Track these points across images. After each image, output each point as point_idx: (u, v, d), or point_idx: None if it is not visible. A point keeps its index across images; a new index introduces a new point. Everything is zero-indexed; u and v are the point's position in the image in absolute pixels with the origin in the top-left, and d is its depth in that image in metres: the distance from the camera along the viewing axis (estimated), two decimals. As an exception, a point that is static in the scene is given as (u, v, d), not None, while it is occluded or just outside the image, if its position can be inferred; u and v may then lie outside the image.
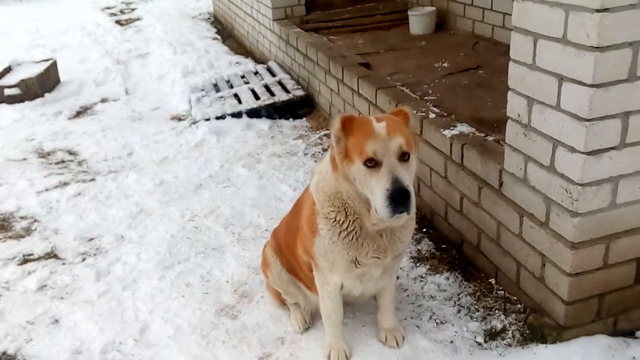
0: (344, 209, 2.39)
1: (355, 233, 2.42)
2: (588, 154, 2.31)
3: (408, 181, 2.19)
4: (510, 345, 2.77)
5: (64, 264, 3.84)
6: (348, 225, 2.41)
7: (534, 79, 2.51)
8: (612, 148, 2.34)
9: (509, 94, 2.71)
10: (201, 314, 3.20)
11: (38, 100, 7.25)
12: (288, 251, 2.82)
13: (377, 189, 2.16)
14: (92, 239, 4.10)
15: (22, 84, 7.23)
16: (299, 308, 3.02)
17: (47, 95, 7.41)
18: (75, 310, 3.35)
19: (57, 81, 7.91)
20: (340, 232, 2.42)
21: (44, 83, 7.49)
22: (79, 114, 6.93)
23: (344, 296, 2.74)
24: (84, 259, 3.86)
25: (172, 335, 3.06)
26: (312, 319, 3.02)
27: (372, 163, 2.18)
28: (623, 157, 2.37)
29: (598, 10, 2.09)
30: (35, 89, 7.31)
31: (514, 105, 2.69)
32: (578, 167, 2.35)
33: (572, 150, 2.36)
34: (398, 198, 2.13)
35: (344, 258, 2.46)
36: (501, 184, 2.92)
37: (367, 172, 2.19)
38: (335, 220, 2.41)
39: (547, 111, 2.47)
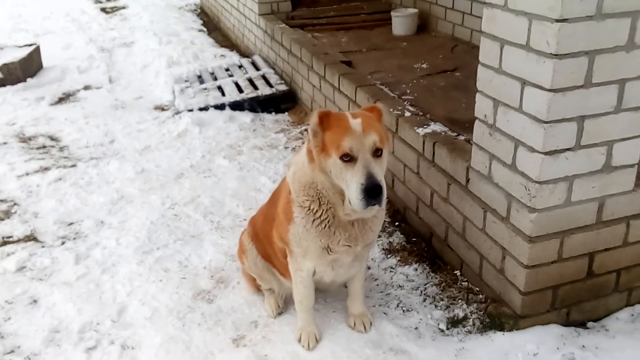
0: (318, 199, 2.53)
1: (328, 222, 2.56)
2: (546, 153, 2.48)
3: (380, 176, 2.34)
4: (470, 332, 2.94)
5: (43, 246, 3.92)
6: (322, 214, 2.54)
7: (500, 82, 2.67)
8: (568, 149, 2.50)
9: (477, 95, 2.87)
10: (178, 298, 3.32)
11: (20, 85, 7.25)
12: (264, 239, 2.95)
13: (352, 183, 2.31)
14: (72, 224, 4.19)
15: (4, 68, 7.23)
16: (273, 294, 3.15)
17: (29, 80, 7.41)
18: (54, 292, 3.44)
19: (39, 66, 7.92)
20: (314, 220, 2.56)
21: (27, 68, 7.50)
22: (61, 100, 6.95)
23: (316, 282, 2.88)
24: (63, 243, 3.95)
25: (149, 316, 3.17)
26: (285, 305, 3.16)
27: (348, 158, 2.32)
28: (578, 158, 2.54)
29: (557, 20, 2.25)
30: (18, 74, 7.32)
31: (482, 107, 2.85)
32: (536, 166, 2.51)
33: (532, 150, 2.53)
34: (371, 192, 2.28)
35: (317, 245, 2.60)
36: (468, 180, 3.08)
37: (343, 166, 2.33)
38: (309, 209, 2.55)
39: (510, 113, 2.63)
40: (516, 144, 2.63)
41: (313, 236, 2.58)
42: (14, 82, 7.28)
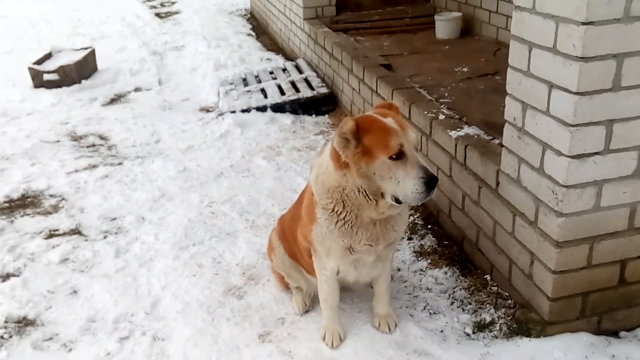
0: (342, 201, 2.56)
1: (351, 222, 2.59)
2: (572, 157, 2.44)
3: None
4: (496, 337, 2.90)
5: (86, 240, 4.10)
6: (346, 215, 2.58)
7: (528, 85, 2.64)
8: (596, 153, 2.45)
9: (507, 98, 2.85)
10: (209, 293, 3.41)
11: (75, 87, 7.59)
12: (291, 237, 3.01)
13: (408, 179, 2.34)
14: (114, 219, 4.36)
15: (60, 70, 7.58)
16: (301, 292, 3.21)
17: (84, 81, 7.74)
18: (93, 283, 3.60)
19: (94, 69, 8.26)
20: (337, 221, 2.59)
21: (82, 70, 7.83)
22: (112, 101, 7.24)
23: (340, 281, 2.92)
24: (105, 237, 4.12)
25: (181, 310, 3.27)
26: (312, 303, 3.20)
27: (396, 156, 2.35)
28: (607, 163, 2.48)
29: (583, 23, 2.21)
30: (73, 76, 7.65)
31: (511, 110, 2.83)
32: (563, 170, 2.47)
33: (559, 153, 2.49)
34: (431, 183, 2.35)
35: (339, 245, 2.64)
36: (498, 184, 3.05)
37: (393, 164, 2.36)
38: (333, 211, 2.58)
39: (538, 116, 2.60)
40: (544, 147, 2.59)
41: (335, 236, 2.62)
42: (69, 84, 7.62)
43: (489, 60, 5.52)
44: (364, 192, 2.48)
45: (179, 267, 3.68)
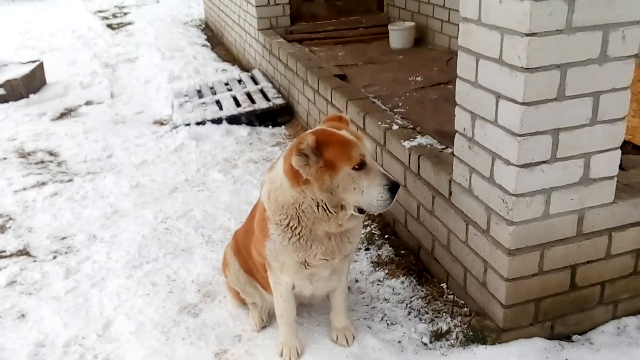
0: (297, 217, 2.52)
1: (305, 237, 2.56)
2: (521, 166, 2.47)
3: None
4: (453, 345, 2.92)
5: (35, 261, 3.96)
6: (301, 230, 2.55)
7: (477, 95, 2.67)
8: (543, 162, 2.50)
9: (456, 109, 2.88)
10: (164, 312, 3.33)
11: (22, 101, 7.35)
12: (246, 253, 2.96)
13: (372, 187, 2.37)
14: (64, 238, 4.22)
15: (7, 84, 7.35)
16: (257, 307, 3.16)
17: (32, 96, 7.52)
18: (42, 306, 3.46)
19: (43, 82, 8.04)
20: (291, 236, 2.56)
21: (30, 84, 7.61)
22: (62, 115, 7.04)
23: (296, 296, 2.88)
24: (54, 257, 3.98)
25: (134, 331, 3.18)
26: (269, 318, 3.16)
27: (359, 166, 2.37)
28: (554, 171, 2.53)
29: (527, 34, 2.25)
30: (20, 90, 7.43)
31: (460, 120, 2.86)
32: (512, 179, 2.51)
33: (507, 162, 2.52)
34: (394, 189, 2.40)
35: (294, 260, 2.61)
36: (450, 193, 3.08)
37: (357, 175, 2.37)
38: (287, 227, 2.55)
39: (487, 126, 2.63)
40: (493, 157, 2.63)
41: (289, 251, 2.58)
42: (16, 98, 7.39)
43: (441, 70, 5.61)
44: (323, 206, 2.46)
45: (132, 286, 3.58)
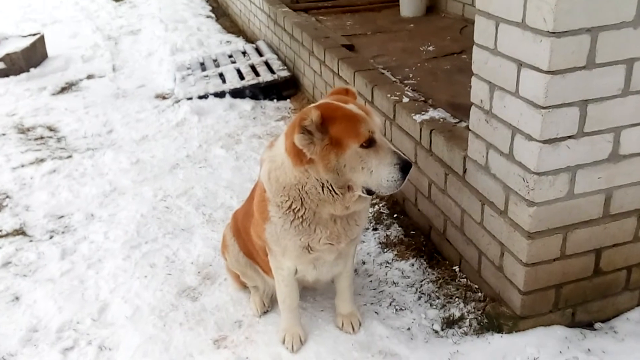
0: (300, 198, 2.33)
1: (308, 220, 2.37)
2: (544, 142, 2.26)
3: None
4: (466, 333, 2.74)
5: (31, 241, 3.81)
6: (304, 212, 2.35)
7: (496, 64, 2.44)
8: (569, 137, 2.28)
9: (473, 79, 2.65)
10: (162, 295, 3.17)
11: (23, 75, 7.16)
12: (245, 235, 2.78)
13: (382, 166, 2.17)
14: (62, 217, 4.07)
15: (6, 58, 7.14)
16: (259, 291, 2.99)
17: (32, 70, 7.31)
18: (37, 288, 3.32)
19: (44, 56, 7.83)
20: (293, 219, 2.37)
21: (30, 58, 7.40)
22: (63, 90, 6.85)
23: (299, 281, 2.71)
24: (51, 237, 3.83)
25: (130, 315, 3.03)
26: (271, 303, 2.99)
27: (368, 143, 2.16)
28: (581, 147, 2.31)
29: (554, -6, 2.02)
30: (21, 64, 7.23)
31: (477, 91, 2.63)
32: (534, 156, 2.29)
33: (529, 138, 2.31)
34: (408, 168, 2.19)
35: (296, 244, 2.42)
36: (465, 171, 2.87)
37: (365, 153, 2.17)
38: (289, 209, 2.36)
39: (507, 97, 2.41)
40: (513, 131, 2.41)
41: (291, 235, 2.40)
42: (17, 73, 7.19)
43: (455, 39, 5.33)
44: (329, 187, 2.26)
45: (129, 268, 3.42)
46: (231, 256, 2.91)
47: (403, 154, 2.22)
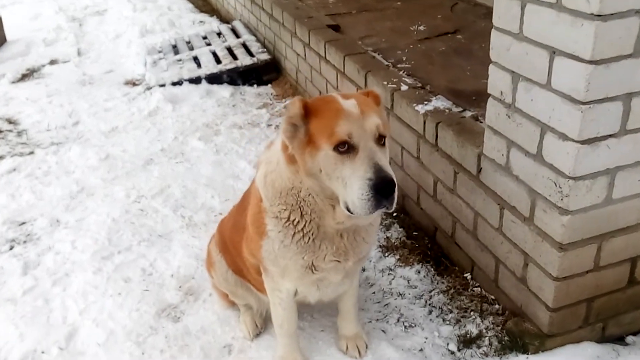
0: (299, 207, 2.00)
1: (312, 234, 2.03)
2: (583, 142, 1.94)
3: (390, 169, 1.79)
4: (486, 354, 2.44)
5: (-12, 253, 3.40)
6: (304, 225, 2.01)
7: (521, 51, 2.10)
8: (610, 135, 1.96)
9: (491, 67, 2.31)
10: (139, 316, 2.81)
11: (-20, 62, 6.65)
12: (234, 250, 2.43)
13: (354, 179, 1.77)
14: (23, 223, 3.65)
15: (-39, 43, 6.60)
16: (250, 310, 2.65)
17: (-11, 56, 6.79)
18: (-4, 311, 2.94)
19: (2, 40, 7.28)
20: (294, 233, 2.03)
21: (-13, 43, 6.86)
22: (24, 77, 6.33)
23: (298, 303, 2.38)
24: (11, 247, 3.42)
25: (103, 342, 2.67)
26: (264, 323, 2.66)
27: (345, 147, 1.78)
28: (623, 146, 2.00)
29: (603, -33, 1.68)
30: (-23, 50, 6.69)
31: (496, 81, 2.30)
32: (570, 158, 1.97)
33: (564, 137, 1.99)
34: (383, 189, 1.74)
35: (298, 263, 2.08)
36: (479, 170, 2.55)
37: (339, 159, 1.79)
38: (288, 220, 2.02)
39: (535, 90, 2.08)
40: (543, 129, 2.09)
41: (293, 253, 2.06)
42: (-28, 59, 6.66)
43: (446, 17, 4.97)
44: (322, 196, 1.94)
45: (100, 284, 3.05)
46: (218, 274, 2.56)
47: (385, 167, 1.76)
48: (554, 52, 1.95)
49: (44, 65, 6.63)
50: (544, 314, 2.31)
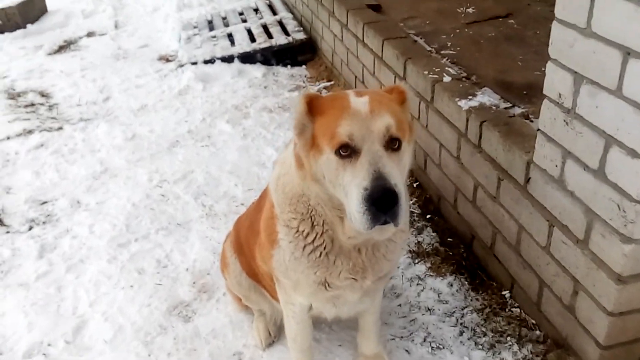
0: (310, 217, 1.77)
1: (325, 248, 1.80)
2: (656, 162, 1.64)
3: (397, 178, 1.52)
4: (522, 388, 2.19)
5: (8, 232, 3.32)
6: (315, 238, 1.78)
7: (587, 48, 1.80)
8: (690, 154, 1.66)
9: (549, 65, 2.01)
10: (149, 312, 2.66)
11: (19, 32, 6.63)
12: (249, 253, 2.22)
13: (352, 188, 1.52)
14: (45, 203, 3.55)
15: (1, 13, 6.58)
16: (264, 316, 2.46)
17: (29, 26, 6.78)
18: (7, 296, 2.84)
19: (42, 11, 7.23)
20: (305, 246, 1.80)
21: (27, 13, 6.81)
22: (61, 48, 6.26)
23: (314, 317, 2.16)
24: (30, 228, 3.33)
25: (110, 339, 2.53)
26: (278, 332, 2.46)
27: (347, 151, 1.53)
28: None
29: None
30: (17, 19, 6.66)
31: (555, 82, 2.00)
32: (639, 179, 1.67)
33: (633, 154, 1.69)
34: (380, 202, 1.48)
35: (310, 279, 1.86)
36: (528, 179, 2.26)
37: (340, 164, 1.54)
38: (297, 231, 1.79)
39: (601, 95, 1.78)
40: (608, 141, 1.79)
41: (304, 267, 1.83)
42: (12, 29, 6.66)
43: None
44: (330, 205, 1.71)
45: (114, 274, 2.91)
46: (232, 277, 2.36)
47: (385, 177, 1.48)
48: (628, 53, 1.64)
49: (81, 38, 6.55)
50: (594, 351, 2.03)
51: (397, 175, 1.54)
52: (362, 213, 1.50)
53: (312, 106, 1.61)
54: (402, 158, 1.61)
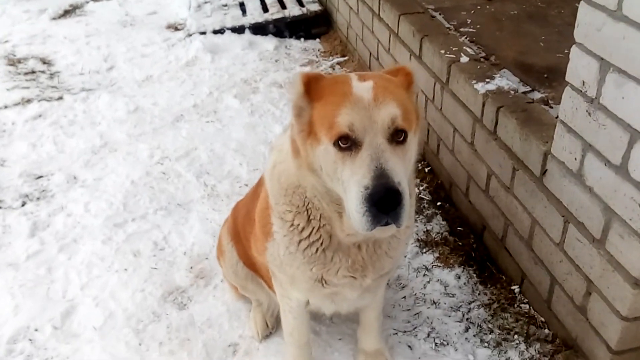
0: (306, 211, 1.64)
1: (321, 244, 1.67)
2: (689, 162, 1.48)
3: (401, 175, 1.39)
4: (528, 391, 2.08)
5: (0, 207, 3.20)
6: (311, 233, 1.66)
7: (617, 33, 1.63)
8: None
9: (573, 50, 1.84)
10: (142, 298, 2.56)
11: (24, -6, 6.44)
12: (246, 241, 2.10)
13: (351, 185, 1.39)
14: (40, 177, 3.45)
15: (6, -27, 6.38)
16: (261, 306, 2.35)
17: (35, -13, 6.56)
18: (-4, 275, 2.74)
19: (49, -28, 7.00)
20: (300, 241, 1.68)
21: (32, -26, 6.61)
22: (65, 13, 6.10)
23: (312, 312, 2.05)
24: (23, 204, 3.23)
25: (100, 326, 2.44)
26: (276, 323, 2.36)
27: (347, 143, 1.40)
28: None
29: None
30: (22, -20, 6.46)
31: (578, 68, 1.83)
32: (668, 180, 1.52)
33: (663, 152, 1.53)
34: (382, 203, 1.35)
35: (306, 275, 1.74)
36: (544, 171, 2.10)
37: (339, 157, 1.41)
38: (292, 225, 1.67)
39: (629, 85, 1.61)
40: (633, 136, 1.63)
41: (299, 263, 1.71)
42: (17, -9, 6.45)
43: (521, -26, 4.36)
44: (328, 198, 1.58)
45: (108, 256, 2.81)
46: (228, 266, 2.25)
47: (388, 174, 1.35)
48: (662, 40, 1.48)
49: (87, 2, 6.37)
50: (604, 355, 1.91)
51: (401, 171, 1.40)
52: (362, 214, 1.38)
53: (311, 88, 1.47)
54: (408, 151, 1.47)
